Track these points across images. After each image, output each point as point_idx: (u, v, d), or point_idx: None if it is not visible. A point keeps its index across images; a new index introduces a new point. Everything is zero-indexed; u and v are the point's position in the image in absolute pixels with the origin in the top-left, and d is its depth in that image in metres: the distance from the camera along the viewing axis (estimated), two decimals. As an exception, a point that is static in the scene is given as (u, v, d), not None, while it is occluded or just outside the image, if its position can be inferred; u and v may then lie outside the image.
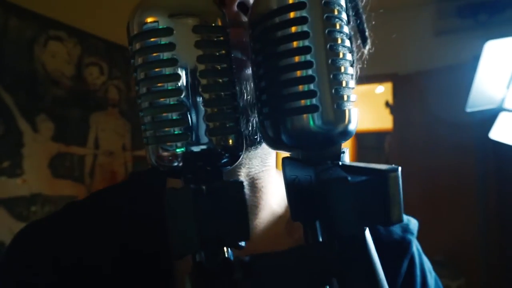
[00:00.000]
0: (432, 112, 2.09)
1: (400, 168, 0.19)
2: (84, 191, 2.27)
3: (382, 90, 3.31)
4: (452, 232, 2.05)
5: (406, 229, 0.43)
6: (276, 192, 0.42)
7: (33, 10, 2.01)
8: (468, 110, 1.04)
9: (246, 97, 0.31)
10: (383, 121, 3.03)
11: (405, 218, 0.44)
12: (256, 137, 0.33)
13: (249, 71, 0.30)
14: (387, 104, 2.49)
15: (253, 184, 0.39)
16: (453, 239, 2.04)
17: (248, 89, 0.31)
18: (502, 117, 1.06)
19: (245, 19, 0.30)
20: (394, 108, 2.40)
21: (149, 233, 0.36)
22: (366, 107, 3.60)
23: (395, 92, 2.41)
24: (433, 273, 0.46)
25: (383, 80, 2.70)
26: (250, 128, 0.32)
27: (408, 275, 0.41)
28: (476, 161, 2.04)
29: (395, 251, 0.41)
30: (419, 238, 0.47)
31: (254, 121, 0.32)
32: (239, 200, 0.19)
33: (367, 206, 0.19)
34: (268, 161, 0.40)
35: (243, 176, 0.38)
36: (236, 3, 0.30)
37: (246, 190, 0.39)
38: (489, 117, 1.12)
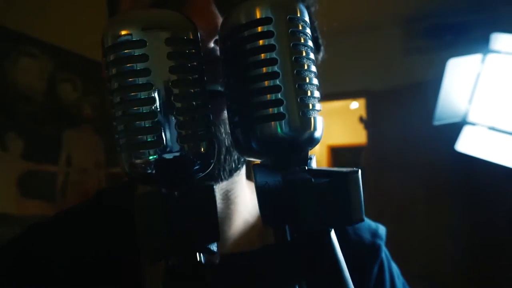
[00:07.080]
0: (403, 126, 2.17)
1: (360, 171, 0.21)
2: (54, 210, 2.17)
3: (357, 106, 3.40)
4: (430, 247, 2.08)
5: (375, 235, 0.45)
6: (248, 202, 0.42)
7: (4, 26, 1.96)
8: (436, 123, 1.09)
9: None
10: (358, 136, 3.11)
11: (374, 224, 0.46)
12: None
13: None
14: (361, 119, 2.57)
15: (226, 196, 0.39)
16: (431, 253, 2.07)
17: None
18: (466, 130, 1.11)
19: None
20: (368, 123, 2.48)
21: (114, 249, 0.37)
22: (342, 123, 3.69)
23: (368, 108, 2.49)
24: (401, 278, 0.48)
25: (357, 96, 2.80)
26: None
27: (378, 279, 0.43)
28: (448, 174, 2.11)
29: (365, 255, 0.43)
30: (396, 254, 0.49)
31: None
32: (209, 202, 0.20)
33: (330, 206, 0.20)
34: (239, 172, 0.40)
35: (217, 189, 0.38)
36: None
37: (219, 203, 0.39)
38: (458, 130, 1.17)
